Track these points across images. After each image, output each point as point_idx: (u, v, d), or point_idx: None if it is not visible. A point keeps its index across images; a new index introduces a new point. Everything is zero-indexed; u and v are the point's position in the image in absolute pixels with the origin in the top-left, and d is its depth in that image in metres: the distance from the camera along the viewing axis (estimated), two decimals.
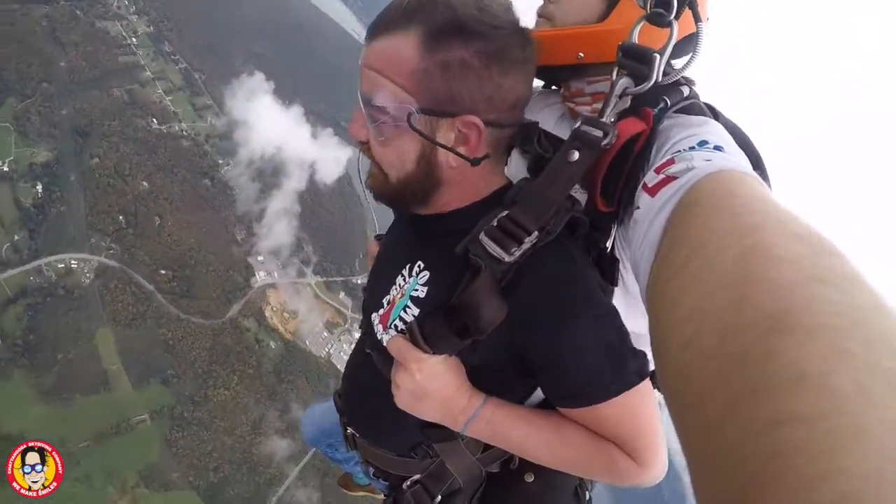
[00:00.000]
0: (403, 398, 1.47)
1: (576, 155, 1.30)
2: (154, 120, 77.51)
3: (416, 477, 1.69)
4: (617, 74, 1.40)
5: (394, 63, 1.34)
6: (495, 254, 1.27)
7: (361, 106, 1.41)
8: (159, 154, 74.93)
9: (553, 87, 1.96)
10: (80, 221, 62.82)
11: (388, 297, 1.64)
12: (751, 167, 1.16)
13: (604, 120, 1.35)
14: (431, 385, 1.41)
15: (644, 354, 1.38)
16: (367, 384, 1.78)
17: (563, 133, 1.54)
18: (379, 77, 1.36)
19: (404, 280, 1.59)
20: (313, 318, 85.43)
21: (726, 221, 0.83)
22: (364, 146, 1.49)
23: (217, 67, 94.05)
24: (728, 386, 0.57)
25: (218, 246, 77.58)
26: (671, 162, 1.16)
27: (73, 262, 60.50)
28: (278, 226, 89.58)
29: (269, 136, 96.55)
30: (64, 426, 52.24)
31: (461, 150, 1.41)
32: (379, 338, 1.62)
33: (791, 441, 0.47)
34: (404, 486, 1.72)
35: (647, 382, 1.36)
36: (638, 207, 1.18)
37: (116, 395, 58.30)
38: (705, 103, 1.54)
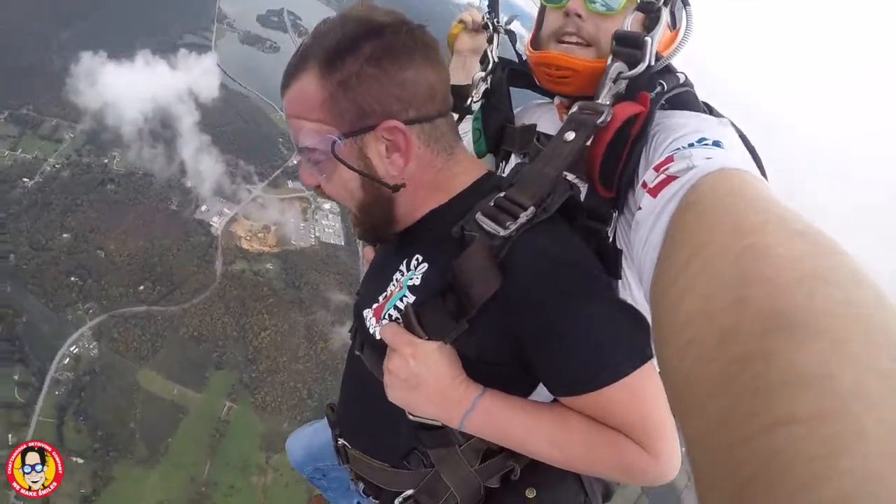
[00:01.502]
0: (396, 388, 1.42)
1: (572, 135, 1.35)
2: (25, 180, 74.85)
3: (410, 492, 1.60)
4: (611, 60, 1.48)
5: (304, 103, 1.40)
6: (490, 229, 1.26)
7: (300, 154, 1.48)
8: (54, 203, 72.94)
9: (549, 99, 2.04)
10: (45, 317, 62.37)
11: (384, 293, 1.60)
12: (751, 162, 1.19)
13: (599, 102, 1.42)
14: (426, 372, 1.35)
15: (647, 324, 1.31)
16: (357, 389, 1.76)
17: None
18: (298, 121, 1.42)
19: (402, 274, 1.55)
20: (285, 218, 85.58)
21: (727, 221, 0.82)
22: (319, 191, 1.53)
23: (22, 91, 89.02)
24: (728, 387, 0.57)
25: (166, 226, 76.60)
26: (670, 160, 1.18)
27: (73, 348, 61.02)
28: (203, 165, 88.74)
29: (132, 98, 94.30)
30: (181, 469, 55.26)
31: (396, 156, 1.42)
32: (372, 331, 1.57)
33: (791, 442, 0.47)
34: (397, 502, 1.64)
35: (653, 366, 1.28)
36: (640, 208, 1.19)
37: (195, 409, 60.58)
38: (703, 101, 1.59)
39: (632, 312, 1.32)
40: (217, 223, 79.64)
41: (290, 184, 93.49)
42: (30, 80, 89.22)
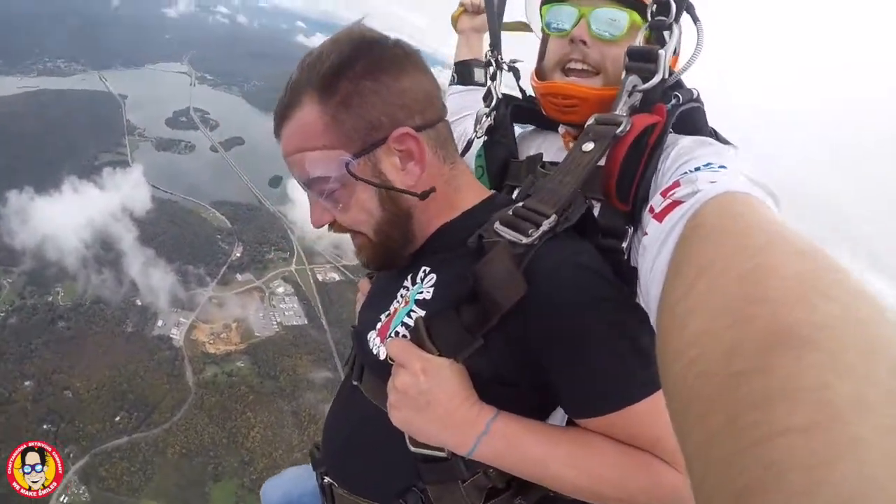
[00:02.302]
0: (402, 408, 1.30)
1: (591, 145, 1.34)
2: None
3: None
4: (625, 75, 1.49)
5: (306, 133, 1.36)
6: (511, 237, 1.21)
7: (308, 193, 1.45)
8: (7, 353, 70.82)
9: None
10: None
11: (387, 311, 1.52)
12: (754, 185, 1.16)
13: (617, 114, 1.42)
14: (437, 389, 1.25)
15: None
16: (351, 421, 1.62)
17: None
18: (303, 154, 1.37)
19: (407, 290, 1.48)
20: (243, 312, 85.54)
21: (731, 243, 0.84)
22: (334, 227, 1.49)
23: None
24: (728, 400, 0.58)
25: (127, 350, 75.17)
26: (677, 184, 1.17)
27: (63, 499, 59.09)
28: (154, 280, 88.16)
29: (69, 228, 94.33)
30: None
31: (411, 165, 1.39)
32: (376, 352, 1.46)
33: (789, 451, 0.48)
34: None
35: None
36: (646, 234, 1.17)
37: None
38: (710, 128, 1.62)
39: (649, 332, 1.23)
40: (177, 334, 78.85)
41: (239, 276, 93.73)
42: None
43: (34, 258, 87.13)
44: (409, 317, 1.39)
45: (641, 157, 1.38)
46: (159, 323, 79.90)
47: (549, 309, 1.20)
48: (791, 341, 0.57)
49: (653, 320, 1.03)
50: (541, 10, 1.79)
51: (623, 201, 1.40)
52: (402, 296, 1.48)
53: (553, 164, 1.78)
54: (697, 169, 1.24)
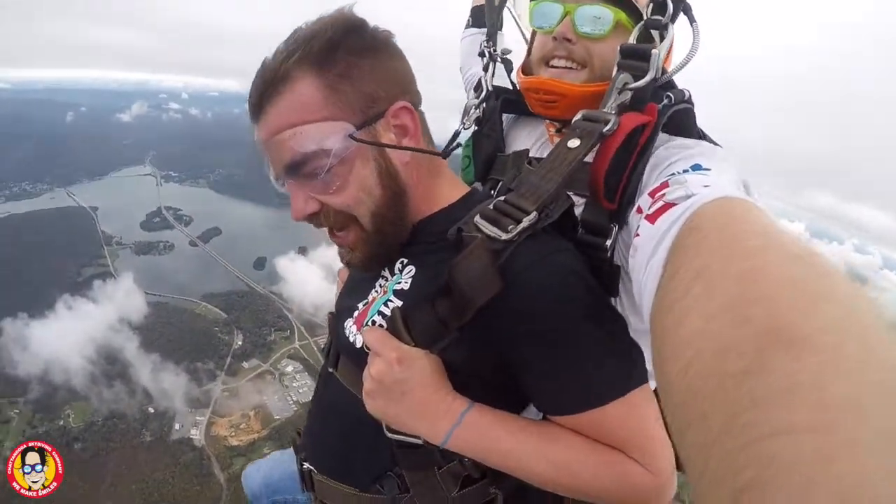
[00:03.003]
0: (377, 397, 1.30)
1: (576, 142, 1.28)
2: None
3: None
4: (616, 72, 1.45)
5: (304, 107, 1.28)
6: (490, 232, 1.20)
7: (289, 182, 1.37)
8: None
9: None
10: None
11: (364, 300, 1.53)
12: (744, 190, 1.19)
13: (605, 110, 1.37)
14: (412, 379, 1.25)
15: (642, 353, 1.29)
16: (329, 408, 1.63)
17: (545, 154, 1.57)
18: (298, 129, 1.28)
19: (385, 280, 1.49)
20: (259, 399, 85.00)
21: (728, 246, 0.85)
22: (317, 217, 1.40)
23: None
24: (727, 399, 0.59)
25: (150, 460, 73.98)
26: (665, 185, 1.16)
27: None
28: (166, 383, 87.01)
29: (71, 347, 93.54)
30: None
31: (406, 140, 1.38)
32: (352, 339, 1.46)
33: (788, 448, 0.49)
34: None
35: (650, 387, 1.28)
36: (637, 234, 1.15)
37: None
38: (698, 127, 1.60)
39: (628, 335, 1.29)
40: (197, 434, 77.76)
41: (246, 364, 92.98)
42: None
43: (41, 384, 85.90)
44: (387, 306, 1.39)
45: (630, 156, 1.35)
46: (176, 426, 78.74)
47: (524, 307, 1.21)
48: (789, 342, 0.59)
49: (645, 319, 1.01)
50: (529, 6, 1.79)
51: (609, 200, 1.37)
52: (380, 286, 1.50)
53: (538, 159, 1.80)
54: (686, 171, 1.25)
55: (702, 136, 1.58)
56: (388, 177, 1.37)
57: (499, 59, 2.12)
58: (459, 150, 2.05)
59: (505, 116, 2.07)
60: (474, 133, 2.04)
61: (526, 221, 1.18)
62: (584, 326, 1.21)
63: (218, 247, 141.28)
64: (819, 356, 0.56)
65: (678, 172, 1.25)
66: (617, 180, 1.35)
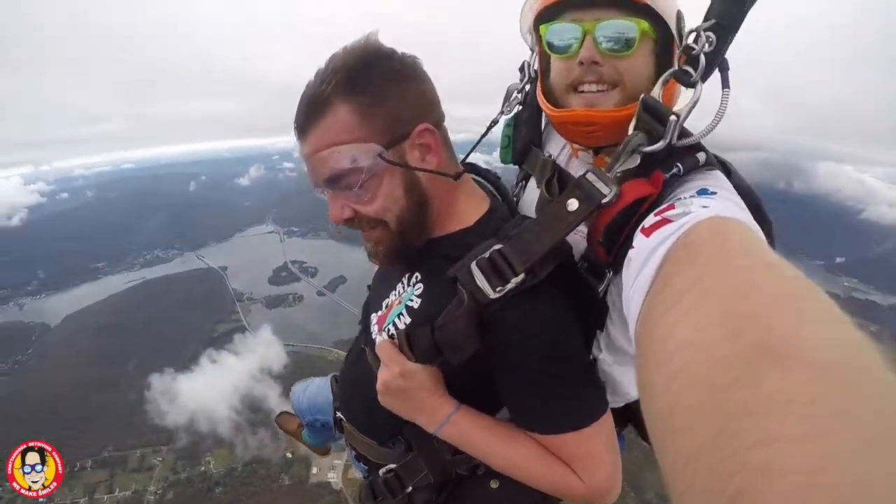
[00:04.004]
0: (385, 396, 1.59)
1: (575, 204, 1.36)
2: None
3: (392, 466, 1.78)
4: (633, 128, 1.41)
5: (339, 129, 1.44)
6: (482, 286, 1.37)
7: (328, 192, 1.54)
8: None
9: None
10: None
11: (387, 300, 1.81)
12: (746, 212, 1.23)
13: (610, 175, 1.38)
14: (410, 387, 1.53)
15: (604, 391, 1.57)
16: (358, 376, 1.90)
17: (575, 170, 1.75)
18: (335, 149, 1.45)
19: (403, 288, 1.74)
20: None
21: (720, 262, 0.87)
22: (351, 222, 1.58)
23: None
24: (716, 410, 0.60)
25: (286, 502, 73.34)
26: (671, 207, 1.21)
27: None
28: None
29: (216, 398, 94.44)
30: None
31: (429, 157, 1.53)
32: (374, 337, 1.77)
33: (777, 457, 0.50)
34: (380, 472, 1.81)
35: (605, 418, 1.50)
36: (633, 247, 1.21)
37: None
38: (721, 160, 1.54)
39: (595, 378, 1.57)
40: (334, 477, 75.83)
41: None
42: (100, 424, 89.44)
43: (188, 433, 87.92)
44: (399, 319, 1.66)
45: (629, 221, 1.36)
46: (314, 470, 77.20)
47: (503, 358, 1.46)
48: (778, 357, 0.60)
49: (631, 330, 1.07)
50: (538, 28, 1.66)
51: (607, 254, 1.44)
52: (398, 292, 1.76)
53: (561, 173, 1.78)
54: (692, 196, 1.27)
55: (727, 171, 1.51)
56: (413, 189, 1.54)
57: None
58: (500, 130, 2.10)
59: None
60: (516, 114, 2.05)
61: (512, 283, 1.35)
62: (553, 371, 1.43)
63: (345, 294, 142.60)
64: (809, 371, 0.58)
65: (685, 197, 1.28)
66: (614, 240, 1.41)
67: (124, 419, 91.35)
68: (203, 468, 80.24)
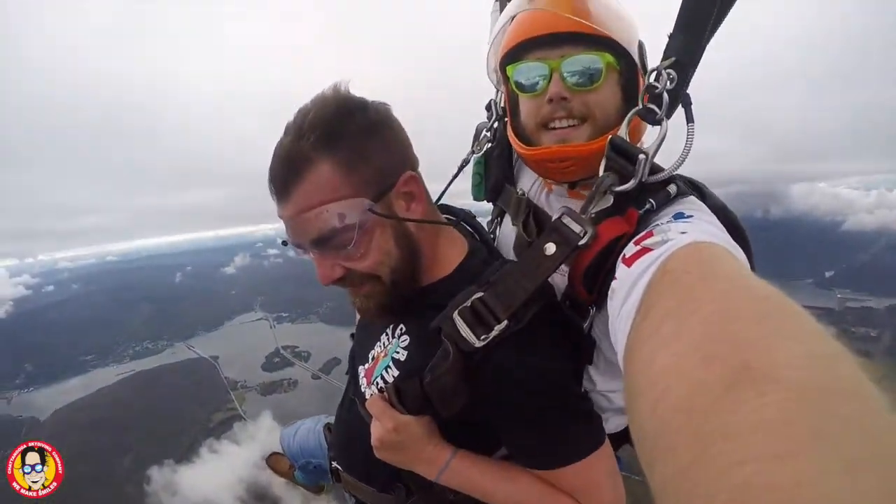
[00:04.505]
0: (382, 451, 1.56)
1: (552, 248, 1.39)
2: None
3: None
4: (604, 169, 1.44)
5: (325, 188, 1.39)
6: (466, 336, 1.36)
7: (315, 253, 1.49)
8: None
9: None
10: None
11: (373, 351, 1.76)
12: (723, 231, 1.28)
13: (585, 217, 1.40)
14: (406, 440, 1.50)
15: (600, 421, 1.54)
16: (352, 427, 1.86)
17: (553, 211, 1.77)
18: (323, 209, 1.39)
19: (388, 339, 1.70)
20: None
21: (697, 288, 0.89)
22: (342, 281, 1.54)
23: None
24: (697, 433, 0.61)
25: None
26: (650, 234, 1.24)
27: None
28: None
29: (221, 488, 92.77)
30: None
31: (414, 205, 1.51)
32: (363, 390, 1.73)
33: (757, 476, 0.51)
34: None
35: (604, 448, 1.50)
36: (615, 278, 1.24)
37: None
38: (693, 182, 1.59)
39: (588, 410, 1.52)
40: None
41: None
42: None
43: None
44: (387, 372, 1.63)
45: (606, 260, 1.40)
46: None
47: (496, 404, 1.44)
48: (754, 378, 0.61)
49: (620, 360, 1.08)
50: (504, 69, 1.69)
51: (588, 293, 1.48)
52: (383, 343, 1.72)
53: (536, 211, 1.81)
54: (669, 221, 1.31)
55: (702, 194, 1.55)
56: (403, 239, 1.52)
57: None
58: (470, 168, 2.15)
59: None
60: (486, 151, 2.09)
61: (496, 330, 1.35)
62: (545, 412, 1.42)
63: (340, 376, 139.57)
64: (785, 391, 0.58)
65: (662, 223, 1.30)
66: (593, 280, 1.45)
67: None
68: None
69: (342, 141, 1.39)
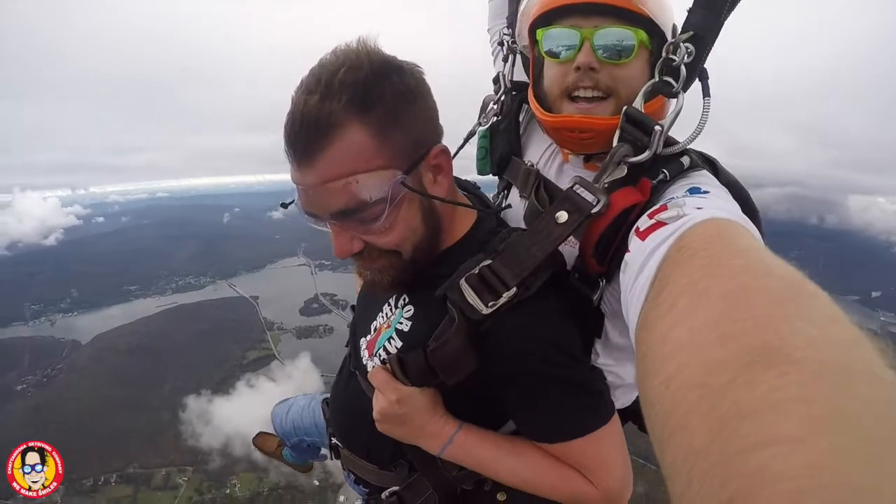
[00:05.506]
0: (384, 424, 1.53)
1: (564, 216, 1.37)
2: None
3: (395, 488, 1.74)
4: (618, 139, 1.45)
5: (358, 155, 1.30)
6: (473, 303, 1.34)
7: (332, 224, 1.40)
8: None
9: None
10: None
11: (375, 322, 1.75)
12: (738, 210, 1.25)
13: (598, 186, 1.40)
14: (409, 413, 1.48)
15: (609, 396, 1.53)
16: (352, 402, 1.82)
17: (564, 183, 1.72)
18: (352, 179, 1.30)
19: (391, 310, 1.69)
20: None
21: (714, 264, 0.87)
22: (361, 255, 1.48)
23: None
24: (712, 411, 0.59)
25: None
26: (664, 208, 1.21)
27: None
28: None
29: (252, 423, 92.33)
30: None
31: (440, 177, 1.47)
32: (364, 363, 1.71)
33: (775, 459, 0.49)
34: (383, 495, 1.76)
35: (613, 421, 1.48)
36: (628, 251, 1.21)
37: None
38: (706, 157, 1.56)
39: (599, 381, 1.52)
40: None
41: None
42: (127, 440, 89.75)
43: (222, 456, 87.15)
44: (390, 343, 1.61)
45: (619, 231, 1.38)
46: (341, 499, 75.33)
47: (503, 369, 1.40)
48: (774, 358, 0.60)
49: (631, 333, 1.06)
50: (534, 32, 1.64)
51: (599, 264, 1.45)
52: (385, 314, 1.71)
53: (547, 184, 1.76)
54: (684, 195, 1.29)
55: (715, 169, 1.54)
56: (430, 215, 1.47)
57: (519, 51, 2.03)
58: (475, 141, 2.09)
59: (522, 114, 2.03)
60: (492, 125, 2.05)
61: (505, 297, 1.32)
62: (555, 382, 1.39)
63: None
64: (804, 371, 0.57)
65: (677, 196, 1.28)
66: (605, 250, 1.42)
67: (152, 438, 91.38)
68: (228, 490, 79.83)
69: (377, 105, 1.29)
